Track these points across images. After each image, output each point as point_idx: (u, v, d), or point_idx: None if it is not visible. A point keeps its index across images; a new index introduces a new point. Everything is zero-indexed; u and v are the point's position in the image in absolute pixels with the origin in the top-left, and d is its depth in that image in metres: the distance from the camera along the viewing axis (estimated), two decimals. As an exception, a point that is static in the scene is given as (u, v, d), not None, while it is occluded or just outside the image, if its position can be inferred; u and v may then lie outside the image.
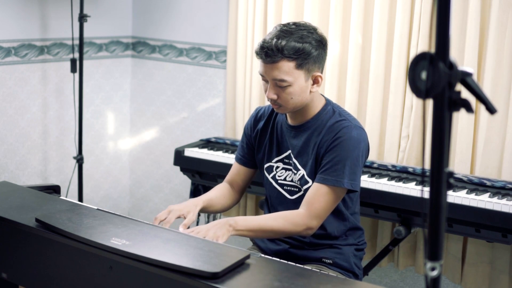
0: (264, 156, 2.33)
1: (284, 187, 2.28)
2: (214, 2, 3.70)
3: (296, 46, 2.06)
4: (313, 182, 2.19)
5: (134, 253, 1.64)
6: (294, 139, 2.25)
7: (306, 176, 2.20)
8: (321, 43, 2.13)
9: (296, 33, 2.08)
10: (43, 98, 3.61)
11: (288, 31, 2.09)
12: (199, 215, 3.53)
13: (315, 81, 2.15)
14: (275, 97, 2.12)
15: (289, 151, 2.26)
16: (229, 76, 3.60)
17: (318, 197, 2.11)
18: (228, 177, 2.43)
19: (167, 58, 3.90)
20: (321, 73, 2.16)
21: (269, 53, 2.06)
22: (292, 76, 2.08)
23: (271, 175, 2.31)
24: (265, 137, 2.33)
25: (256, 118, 2.38)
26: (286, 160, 2.27)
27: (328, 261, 2.24)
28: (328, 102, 2.25)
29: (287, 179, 2.27)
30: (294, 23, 2.13)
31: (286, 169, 2.27)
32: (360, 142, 2.14)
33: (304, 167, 2.21)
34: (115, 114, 4.04)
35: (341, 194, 2.15)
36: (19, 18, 3.42)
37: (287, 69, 2.07)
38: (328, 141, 2.15)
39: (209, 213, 3.20)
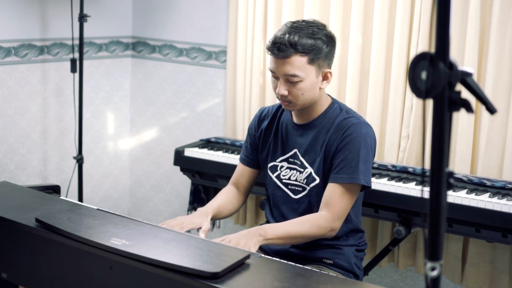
0: (268, 155, 2.33)
1: (289, 187, 2.28)
2: (214, 2, 3.70)
3: (309, 41, 2.08)
4: (320, 180, 2.20)
5: (134, 253, 1.64)
6: (300, 137, 2.25)
7: (313, 174, 2.21)
8: (331, 39, 2.16)
9: (306, 29, 2.10)
10: (43, 98, 3.61)
11: (298, 27, 2.11)
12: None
13: (325, 78, 2.17)
14: (286, 93, 2.12)
15: (295, 150, 2.27)
16: (229, 76, 3.60)
17: (336, 198, 2.12)
18: (233, 178, 2.43)
19: (167, 58, 3.90)
20: (330, 69, 2.18)
21: (282, 47, 2.07)
22: (304, 71, 2.10)
23: (275, 174, 2.31)
24: (269, 136, 2.34)
25: (260, 118, 2.39)
26: (291, 160, 2.27)
27: (329, 261, 2.24)
28: (334, 101, 2.27)
29: (292, 178, 2.27)
30: (304, 20, 2.16)
31: (291, 169, 2.27)
32: (369, 138, 2.16)
33: (311, 165, 2.22)
34: (115, 114, 4.04)
35: (357, 191, 2.17)
36: (19, 18, 3.42)
37: (299, 64, 2.09)
38: (338, 139, 2.16)
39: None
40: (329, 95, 2.29)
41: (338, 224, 2.13)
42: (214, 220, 2.32)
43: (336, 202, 2.12)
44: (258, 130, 2.37)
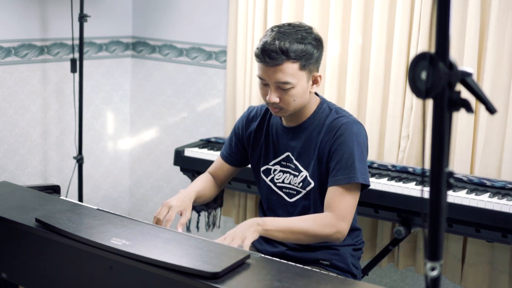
0: (260, 159, 2.30)
1: (283, 190, 2.26)
2: (214, 2, 3.70)
3: (300, 47, 2.04)
4: (316, 184, 2.18)
5: (134, 253, 1.64)
6: (292, 140, 2.22)
7: (308, 178, 2.19)
8: (320, 42, 2.12)
9: (295, 34, 2.06)
10: (43, 98, 3.61)
11: (286, 32, 2.06)
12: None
13: (315, 81, 2.14)
14: (277, 100, 2.08)
15: (287, 153, 2.24)
16: (229, 76, 3.60)
17: (337, 200, 2.08)
18: (211, 169, 2.42)
19: (167, 58, 3.90)
20: (319, 72, 2.15)
21: (272, 55, 2.02)
22: (295, 78, 2.05)
23: (269, 178, 2.28)
24: (260, 139, 2.30)
25: (248, 118, 2.35)
26: (284, 163, 2.25)
27: (326, 262, 2.22)
28: (322, 100, 2.23)
29: (285, 181, 2.25)
30: (289, 24, 2.11)
31: (284, 172, 2.25)
32: (361, 137, 2.14)
33: (306, 168, 2.19)
34: (115, 114, 4.04)
35: (357, 190, 2.12)
36: (19, 18, 3.42)
37: (291, 71, 2.04)
38: (330, 140, 2.13)
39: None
40: (316, 94, 2.24)
41: (344, 226, 2.06)
42: (194, 204, 2.27)
43: (337, 203, 2.08)
44: (246, 131, 2.34)
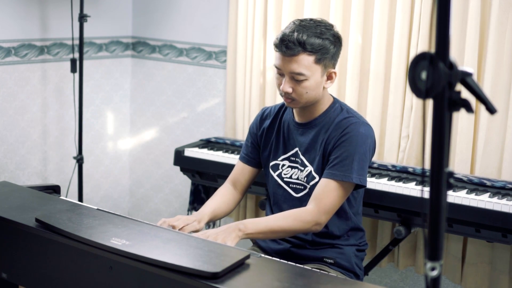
0: (270, 154, 2.35)
1: (290, 185, 2.29)
2: (214, 2, 3.70)
3: (317, 41, 2.10)
4: (320, 178, 2.20)
5: (134, 253, 1.64)
6: (301, 136, 2.27)
7: (313, 172, 2.22)
8: (338, 40, 2.18)
9: (314, 29, 2.12)
10: (43, 98, 3.61)
11: (306, 26, 2.12)
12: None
13: (329, 77, 2.19)
14: (290, 90, 2.14)
15: (296, 149, 2.28)
16: (229, 76, 3.60)
17: (326, 193, 2.12)
18: (231, 176, 2.43)
19: (167, 58, 3.90)
20: (335, 69, 2.20)
21: (290, 45, 2.09)
22: (310, 70, 2.11)
23: (277, 173, 2.32)
24: (271, 135, 2.35)
25: (262, 117, 2.40)
26: (293, 158, 2.29)
27: (330, 260, 2.24)
28: (335, 100, 2.29)
29: (293, 177, 2.28)
30: (311, 19, 2.17)
31: (292, 167, 2.28)
32: (368, 138, 2.17)
33: (311, 163, 2.23)
34: (115, 114, 4.04)
35: (349, 189, 2.17)
36: (19, 18, 3.42)
37: (306, 63, 2.10)
38: (336, 137, 2.17)
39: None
40: (331, 95, 2.30)
41: (324, 219, 2.13)
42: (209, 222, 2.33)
43: (325, 197, 2.12)
44: (259, 129, 2.39)
